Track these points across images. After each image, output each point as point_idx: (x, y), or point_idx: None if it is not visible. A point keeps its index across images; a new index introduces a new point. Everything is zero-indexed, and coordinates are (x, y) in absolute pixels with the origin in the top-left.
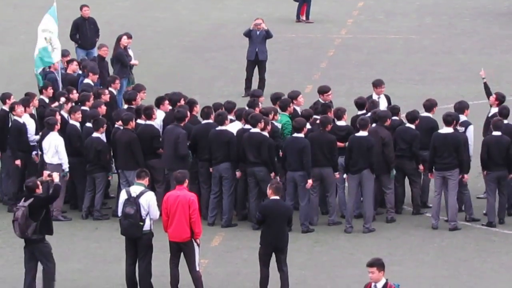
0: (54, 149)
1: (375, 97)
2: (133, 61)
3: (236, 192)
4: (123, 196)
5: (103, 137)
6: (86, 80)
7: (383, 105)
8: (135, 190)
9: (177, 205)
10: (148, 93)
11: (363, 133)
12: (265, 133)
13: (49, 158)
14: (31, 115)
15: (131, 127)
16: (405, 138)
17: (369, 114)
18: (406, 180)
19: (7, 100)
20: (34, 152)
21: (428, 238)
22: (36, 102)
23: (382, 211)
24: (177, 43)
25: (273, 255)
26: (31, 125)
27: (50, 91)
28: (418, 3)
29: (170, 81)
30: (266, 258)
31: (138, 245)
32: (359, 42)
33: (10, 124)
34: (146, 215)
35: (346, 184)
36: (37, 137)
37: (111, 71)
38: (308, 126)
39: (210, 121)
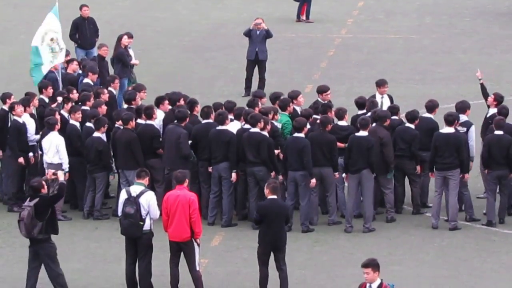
0: (55, 149)
1: (378, 96)
2: (133, 61)
3: (236, 192)
4: (123, 195)
5: (103, 136)
6: (86, 80)
7: (386, 105)
8: (135, 189)
9: (177, 204)
10: (148, 93)
11: (363, 133)
12: (265, 133)
13: (49, 158)
14: (31, 115)
15: (131, 126)
16: (404, 138)
17: (369, 114)
18: (406, 180)
19: (7, 100)
20: (30, 154)
21: (428, 238)
22: (36, 102)
23: (382, 210)
24: (177, 43)
25: (272, 254)
26: (31, 125)
27: (50, 90)
28: (418, 3)
29: (170, 80)
30: (265, 257)
31: (138, 245)
32: (359, 42)
33: (9, 124)
34: (146, 215)
35: (346, 184)
36: (37, 136)
37: (111, 70)
38: (307, 126)
39: (210, 120)
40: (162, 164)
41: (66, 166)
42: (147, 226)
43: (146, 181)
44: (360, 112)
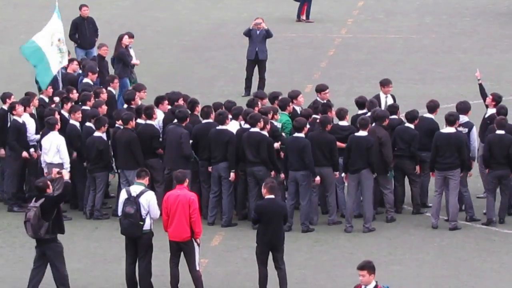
0: (55, 149)
1: (382, 96)
2: (134, 61)
3: (236, 192)
4: (123, 195)
5: (104, 136)
6: (85, 80)
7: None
8: (135, 189)
9: (177, 204)
10: (149, 93)
11: (362, 133)
12: (264, 132)
13: (49, 158)
14: (31, 115)
15: (131, 126)
16: (404, 137)
17: (369, 113)
18: (406, 180)
19: (7, 100)
20: (32, 150)
21: (428, 238)
22: (36, 101)
23: (382, 210)
24: (177, 43)
25: (270, 254)
26: (31, 125)
27: (50, 90)
28: (418, 3)
29: (170, 80)
30: (263, 257)
31: (138, 245)
32: (359, 42)
33: (9, 123)
34: (146, 215)
35: (346, 184)
36: (38, 136)
37: (111, 70)
38: (307, 125)
39: (211, 120)
40: (163, 164)
41: (67, 166)
42: (147, 226)
43: (146, 181)
44: (360, 112)
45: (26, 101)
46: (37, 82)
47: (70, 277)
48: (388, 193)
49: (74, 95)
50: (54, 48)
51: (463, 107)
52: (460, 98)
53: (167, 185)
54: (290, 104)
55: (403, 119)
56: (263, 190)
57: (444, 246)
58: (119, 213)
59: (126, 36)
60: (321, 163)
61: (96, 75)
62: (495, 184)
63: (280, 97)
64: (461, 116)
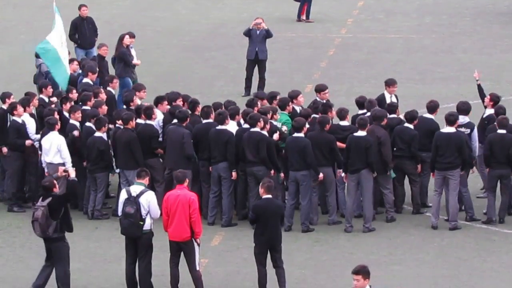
0: (56, 149)
1: (387, 96)
2: (135, 61)
3: (236, 192)
4: (123, 195)
5: (105, 136)
6: (85, 80)
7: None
8: (135, 189)
9: (177, 204)
10: (149, 93)
11: (361, 133)
12: (264, 132)
13: (50, 158)
14: (31, 115)
15: (131, 126)
16: (403, 138)
17: (368, 113)
18: (406, 180)
19: (6, 100)
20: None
21: (428, 238)
22: (36, 101)
23: (382, 210)
24: (177, 43)
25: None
26: (31, 125)
27: (49, 90)
28: (418, 3)
29: (170, 80)
30: (262, 257)
31: (138, 245)
32: (359, 42)
33: (8, 123)
34: (146, 215)
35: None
36: (38, 136)
37: (111, 70)
38: (307, 125)
39: (211, 120)
40: (164, 165)
41: (69, 165)
42: (147, 226)
43: (146, 181)
44: (360, 111)
45: (26, 101)
46: (36, 82)
47: (71, 277)
48: (388, 193)
49: (74, 95)
50: (64, 49)
51: (464, 108)
52: (460, 98)
53: (167, 185)
54: (290, 103)
55: (403, 119)
56: (260, 190)
57: (444, 246)
58: (119, 213)
59: (127, 36)
60: (320, 163)
61: (96, 75)
62: (495, 183)
63: (278, 97)
64: (462, 116)
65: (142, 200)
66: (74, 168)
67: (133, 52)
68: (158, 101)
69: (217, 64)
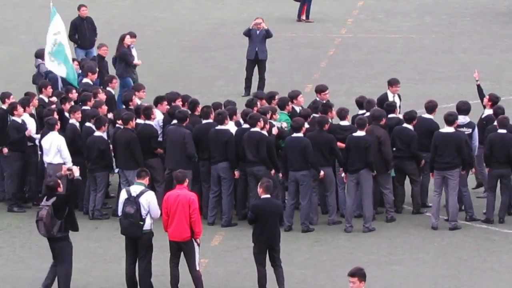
0: (56, 149)
1: (390, 95)
2: (136, 61)
3: (235, 192)
4: (123, 195)
5: (105, 135)
6: (85, 80)
7: (397, 104)
8: (135, 189)
9: (177, 204)
10: (149, 93)
11: (360, 133)
12: (264, 132)
13: (50, 158)
14: (31, 115)
15: (131, 126)
16: (402, 138)
17: (368, 113)
18: (406, 180)
19: (6, 100)
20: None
21: (428, 238)
22: (35, 101)
23: (382, 210)
24: (177, 43)
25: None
26: (31, 124)
27: (49, 90)
28: (418, 3)
29: (170, 80)
30: (261, 257)
31: (138, 245)
32: (359, 42)
33: (8, 123)
34: (146, 215)
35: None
36: (38, 136)
37: (111, 70)
38: (306, 125)
39: (211, 121)
40: (164, 165)
41: (70, 165)
42: (147, 226)
43: (146, 181)
44: (360, 112)
45: (25, 101)
46: (35, 82)
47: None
48: (388, 193)
49: (74, 94)
50: (67, 47)
51: (465, 108)
52: (460, 98)
53: (167, 185)
54: (289, 103)
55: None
56: (259, 190)
57: (444, 246)
58: (119, 213)
59: (128, 36)
60: (320, 163)
61: (96, 75)
62: (495, 183)
63: (277, 97)
64: (462, 116)
65: (142, 200)
66: (78, 167)
67: (134, 52)
68: (158, 101)
69: (217, 64)
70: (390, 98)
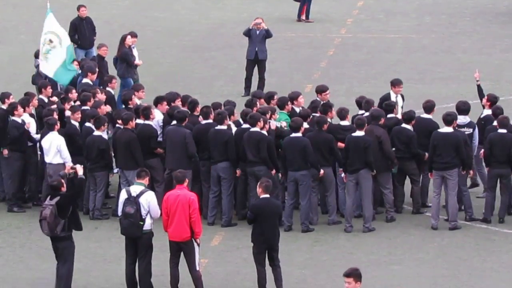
0: (56, 149)
1: (393, 96)
2: (137, 61)
3: (235, 192)
4: (123, 195)
5: (104, 135)
6: (85, 80)
7: (399, 105)
8: (135, 189)
9: (177, 204)
10: (148, 93)
11: (359, 133)
12: (264, 132)
13: (50, 158)
14: (31, 115)
15: (131, 126)
16: (401, 138)
17: (367, 113)
18: (406, 180)
19: (6, 100)
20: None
21: (428, 238)
22: (35, 101)
23: (382, 210)
24: (177, 43)
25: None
26: (31, 125)
27: (49, 90)
28: (417, 3)
29: (170, 80)
30: (261, 257)
31: (138, 245)
32: (359, 42)
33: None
34: (146, 215)
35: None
36: (38, 136)
37: (110, 70)
38: (306, 125)
39: (210, 121)
40: (164, 165)
41: (70, 164)
42: (147, 226)
43: (146, 181)
44: (360, 112)
45: (25, 102)
46: (34, 83)
47: None
48: (387, 193)
49: (73, 95)
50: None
51: (465, 108)
52: (459, 98)
53: (167, 185)
54: (289, 103)
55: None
56: (258, 190)
57: (444, 246)
58: (119, 213)
59: (129, 36)
60: (319, 163)
61: (96, 75)
62: (495, 183)
63: (275, 96)
64: (463, 116)
65: (142, 200)
66: (82, 166)
67: (135, 52)
68: (158, 101)
69: (217, 64)
70: (393, 98)
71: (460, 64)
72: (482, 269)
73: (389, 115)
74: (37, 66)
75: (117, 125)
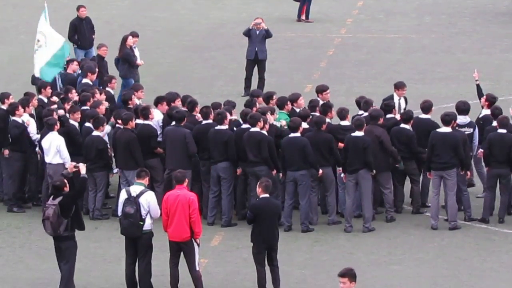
0: (55, 149)
1: (396, 98)
2: (138, 61)
3: (235, 192)
4: (123, 195)
5: (103, 135)
6: (84, 80)
7: (402, 107)
8: (135, 189)
9: (177, 204)
10: (148, 93)
11: (358, 133)
12: (264, 132)
13: (49, 158)
14: (31, 115)
15: (130, 126)
16: (400, 138)
17: (366, 113)
18: (406, 180)
19: (5, 100)
20: (37, 149)
21: (428, 238)
22: (35, 102)
23: (382, 210)
24: (177, 43)
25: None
26: (31, 124)
27: (48, 90)
28: (417, 2)
29: (170, 80)
30: (260, 257)
31: (138, 245)
32: (359, 42)
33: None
34: (146, 215)
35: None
36: (38, 136)
37: (110, 70)
38: (305, 125)
39: (210, 121)
40: (164, 165)
41: (69, 165)
42: (147, 226)
43: (146, 181)
44: (360, 112)
45: (25, 102)
46: (34, 83)
47: None
48: (387, 193)
49: (73, 95)
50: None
51: (465, 108)
52: (459, 98)
53: (167, 185)
54: (288, 102)
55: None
56: (258, 189)
57: (444, 246)
58: (119, 213)
59: (130, 37)
60: (319, 163)
61: (95, 75)
62: (494, 183)
63: (274, 96)
64: (463, 116)
65: (142, 200)
66: (85, 165)
67: (136, 52)
68: (158, 101)
69: (217, 64)
70: (396, 100)
71: (460, 64)
72: (482, 269)
73: (388, 115)
74: None
75: (117, 125)
